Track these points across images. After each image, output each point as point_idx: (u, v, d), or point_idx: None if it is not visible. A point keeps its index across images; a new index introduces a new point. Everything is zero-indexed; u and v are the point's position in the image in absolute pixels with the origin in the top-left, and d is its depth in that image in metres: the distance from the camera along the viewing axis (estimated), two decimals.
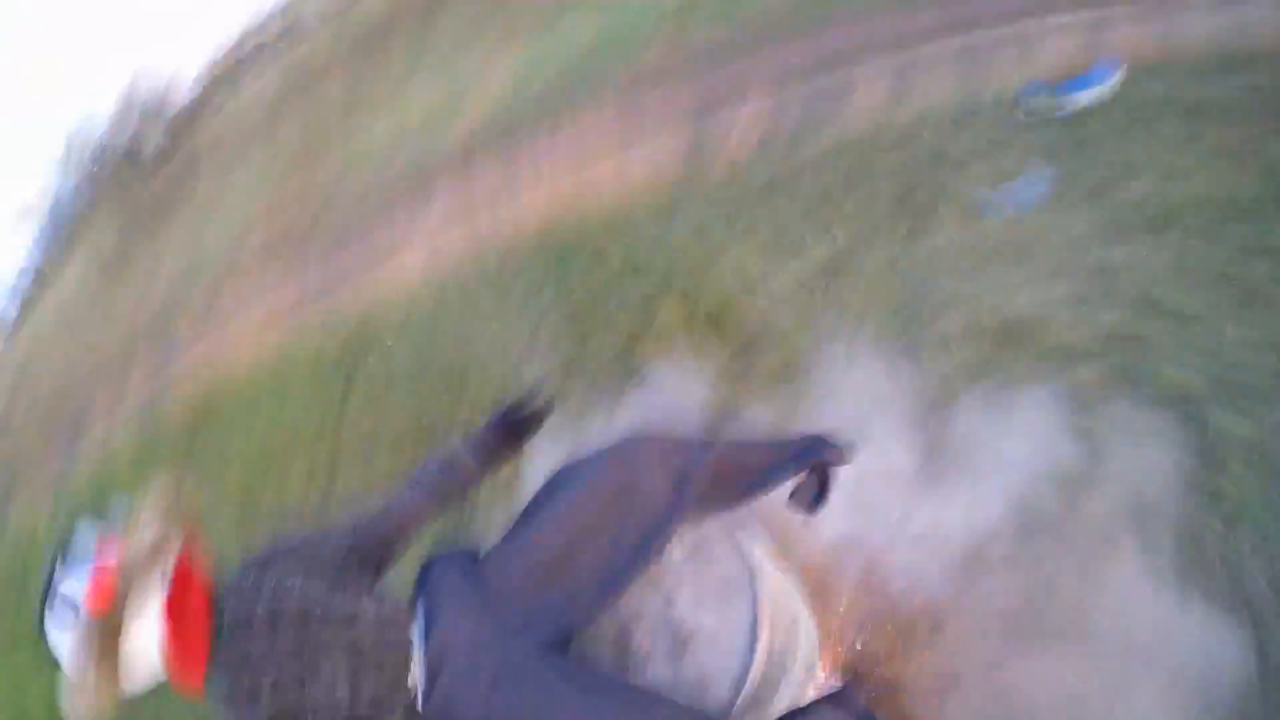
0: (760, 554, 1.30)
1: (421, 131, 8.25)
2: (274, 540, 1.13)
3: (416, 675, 1.10)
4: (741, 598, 1.21)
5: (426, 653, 1.11)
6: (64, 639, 0.97)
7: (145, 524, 1.00)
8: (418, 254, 5.01)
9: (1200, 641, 1.44)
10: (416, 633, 1.13)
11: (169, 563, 1.00)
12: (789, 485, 1.35)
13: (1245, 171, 2.46)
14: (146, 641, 0.99)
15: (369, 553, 1.17)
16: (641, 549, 1.20)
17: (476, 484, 1.33)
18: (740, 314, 2.67)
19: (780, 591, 1.28)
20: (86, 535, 1.03)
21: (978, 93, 3.33)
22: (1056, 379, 1.89)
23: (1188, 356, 1.91)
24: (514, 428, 1.36)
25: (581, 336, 3.14)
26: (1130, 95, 3.04)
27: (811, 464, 1.35)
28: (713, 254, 3.10)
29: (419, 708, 1.10)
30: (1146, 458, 1.68)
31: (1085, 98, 3.07)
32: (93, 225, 16.77)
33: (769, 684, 1.22)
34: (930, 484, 1.73)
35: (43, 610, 0.99)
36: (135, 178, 17.38)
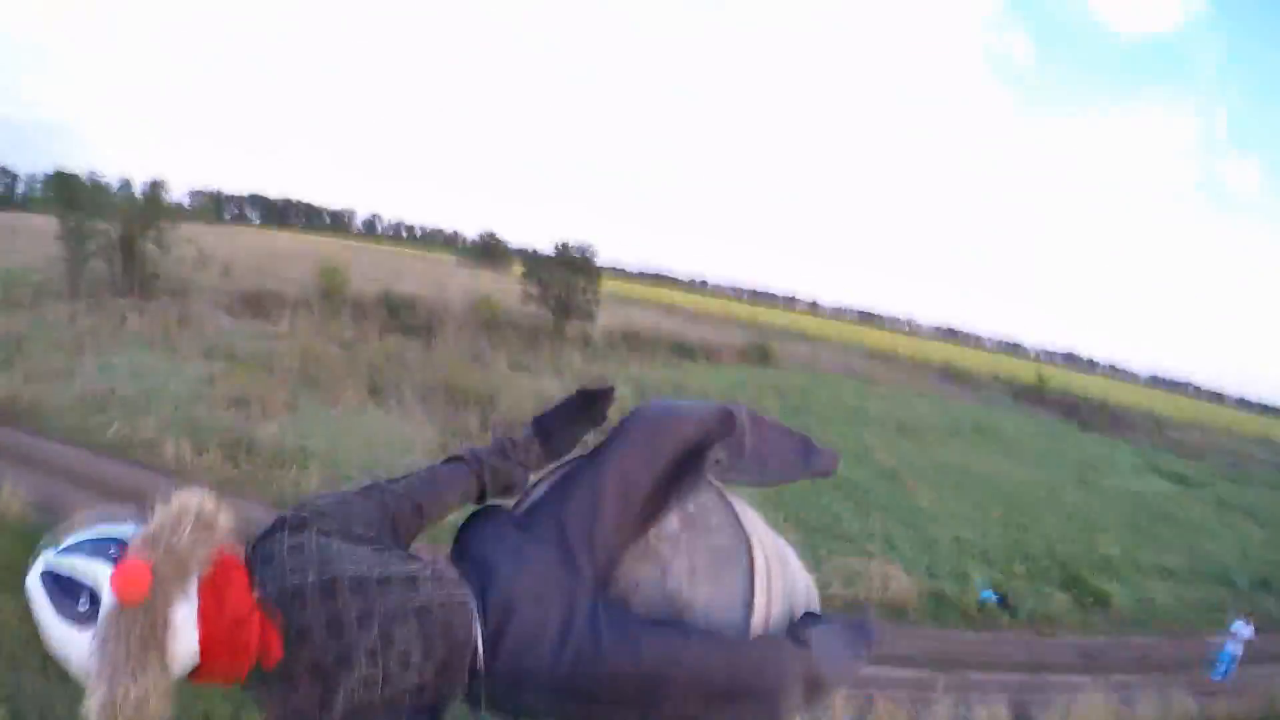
0: (756, 521, 1.28)
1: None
2: (301, 505, 1.06)
3: (477, 634, 1.04)
4: (736, 568, 1.19)
5: (488, 610, 1.05)
6: (79, 632, 0.83)
7: (172, 504, 0.90)
8: None
9: None
10: (471, 591, 1.07)
11: (206, 540, 0.89)
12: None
13: None
14: (188, 628, 0.87)
15: (404, 519, 1.13)
16: (660, 501, 1.20)
17: (537, 466, 1.27)
18: None
19: (776, 558, 1.25)
20: (90, 521, 0.91)
21: None
22: None
23: None
24: (586, 410, 1.30)
25: None
26: None
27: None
28: None
29: (483, 668, 1.04)
30: None
31: None
32: None
33: None
34: None
35: (49, 601, 0.83)
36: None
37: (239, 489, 8.86)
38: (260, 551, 0.99)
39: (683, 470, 1.22)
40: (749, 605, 1.17)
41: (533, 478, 1.29)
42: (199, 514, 0.90)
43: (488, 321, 24.03)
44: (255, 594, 0.94)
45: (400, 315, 23.47)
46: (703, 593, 1.17)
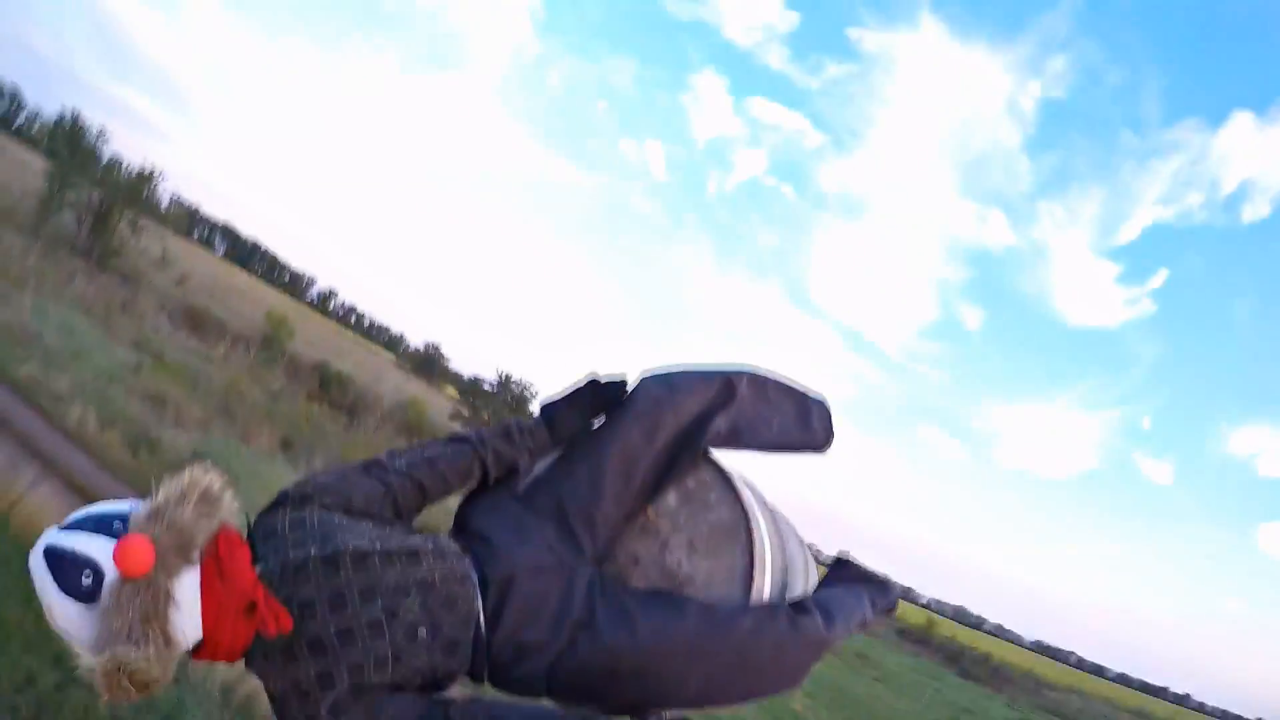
0: (754, 495, 1.27)
1: None
2: (302, 481, 1.06)
3: (479, 607, 1.03)
4: (735, 542, 1.18)
5: (488, 583, 1.05)
6: (82, 608, 0.83)
7: (176, 481, 0.90)
8: None
9: None
10: (473, 566, 1.06)
11: (209, 516, 0.89)
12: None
13: None
14: (191, 602, 0.87)
15: (406, 497, 1.11)
16: (660, 477, 1.18)
17: (542, 451, 1.23)
18: None
19: (775, 532, 1.24)
20: (100, 505, 0.91)
21: None
22: None
23: None
24: (594, 401, 1.25)
25: None
26: None
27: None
28: None
29: (485, 640, 1.03)
30: None
31: None
32: None
33: None
34: None
35: (52, 577, 0.83)
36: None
37: (128, 478, 8.17)
38: (262, 527, 0.99)
39: (682, 445, 1.20)
40: (748, 579, 1.17)
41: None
42: (202, 490, 0.90)
43: (412, 423, 23.70)
44: (257, 569, 0.93)
45: (330, 388, 23.11)
46: (702, 567, 1.16)
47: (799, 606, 1.17)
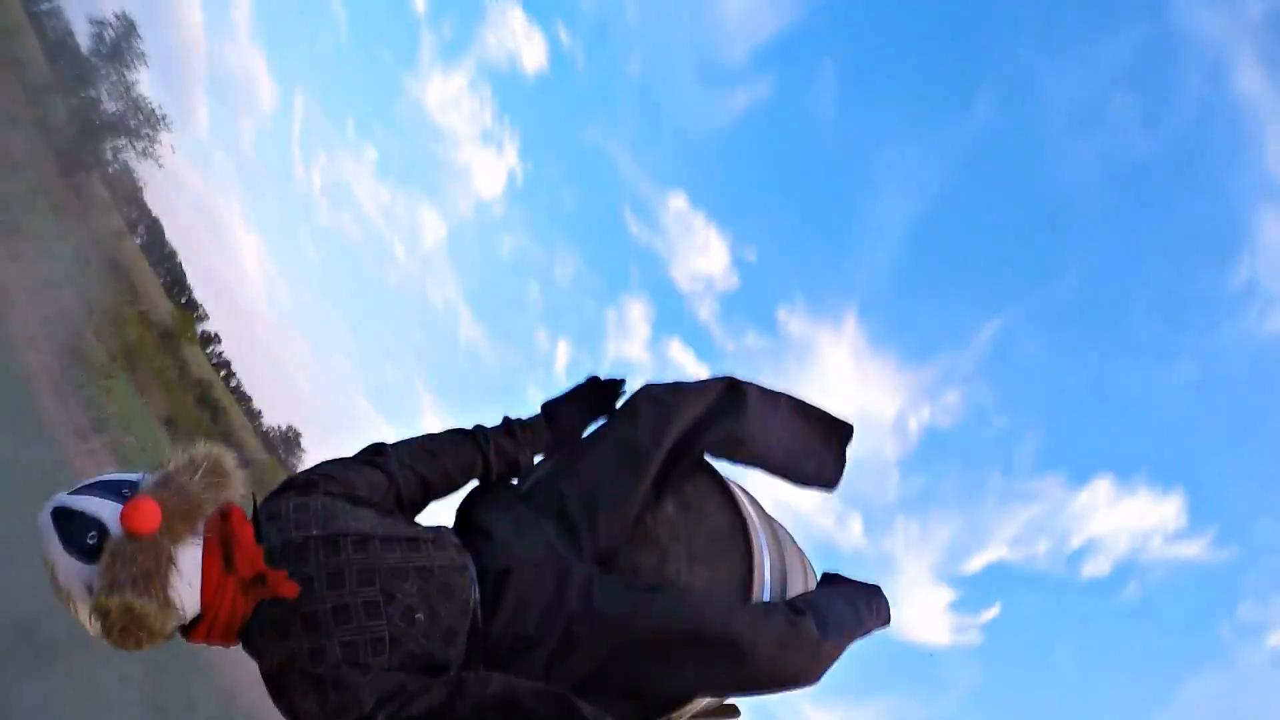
0: (753, 503, 1.24)
1: None
2: (309, 469, 1.08)
3: (475, 597, 1.02)
4: (733, 551, 1.17)
5: (486, 576, 1.04)
6: (84, 564, 0.83)
7: (188, 452, 0.92)
8: None
9: None
10: (471, 557, 1.06)
11: (217, 488, 0.90)
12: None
13: None
14: (192, 569, 0.87)
15: (408, 489, 1.12)
16: (660, 483, 1.16)
17: (544, 449, 1.23)
18: None
19: (773, 541, 1.23)
20: (110, 472, 0.92)
21: None
22: None
23: None
24: (596, 399, 1.25)
25: None
26: None
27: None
28: None
29: (481, 630, 1.02)
30: None
31: None
32: None
33: None
34: None
35: (58, 534, 0.84)
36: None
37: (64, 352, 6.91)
38: (267, 508, 1.01)
39: (683, 447, 1.19)
40: (746, 588, 1.16)
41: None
42: (213, 464, 0.92)
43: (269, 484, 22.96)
44: (260, 546, 0.95)
45: (207, 406, 22.84)
46: (701, 576, 1.16)
47: (796, 608, 1.16)
